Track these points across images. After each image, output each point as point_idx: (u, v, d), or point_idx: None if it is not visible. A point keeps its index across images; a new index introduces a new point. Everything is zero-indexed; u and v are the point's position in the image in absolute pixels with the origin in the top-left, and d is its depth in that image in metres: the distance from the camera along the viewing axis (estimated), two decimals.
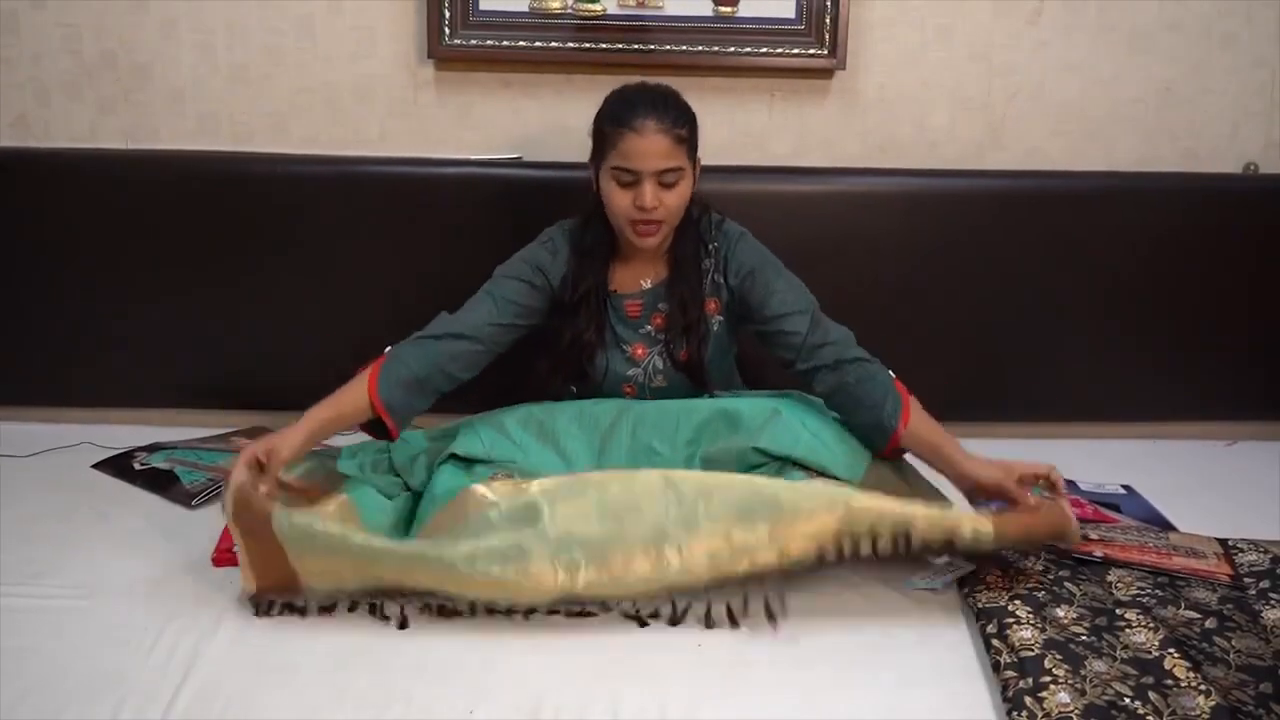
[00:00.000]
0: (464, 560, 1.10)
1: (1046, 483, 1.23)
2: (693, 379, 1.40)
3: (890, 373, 1.30)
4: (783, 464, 1.31)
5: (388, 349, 1.29)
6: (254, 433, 1.66)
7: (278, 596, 1.15)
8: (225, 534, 1.32)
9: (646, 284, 1.39)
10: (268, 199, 1.60)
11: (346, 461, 1.41)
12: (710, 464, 1.32)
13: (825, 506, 1.12)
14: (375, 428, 1.30)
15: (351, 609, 1.16)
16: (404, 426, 1.31)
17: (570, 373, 1.39)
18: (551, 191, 1.59)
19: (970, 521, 1.14)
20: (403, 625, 1.14)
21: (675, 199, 1.30)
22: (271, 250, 1.62)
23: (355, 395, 1.26)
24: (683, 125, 1.29)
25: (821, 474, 1.31)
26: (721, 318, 1.39)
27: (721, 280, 1.37)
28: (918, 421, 1.28)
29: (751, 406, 1.35)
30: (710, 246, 1.38)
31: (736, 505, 1.13)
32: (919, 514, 1.13)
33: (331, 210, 1.61)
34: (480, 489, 1.21)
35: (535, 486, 1.19)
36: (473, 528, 1.15)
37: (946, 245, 1.64)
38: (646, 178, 1.27)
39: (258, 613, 1.15)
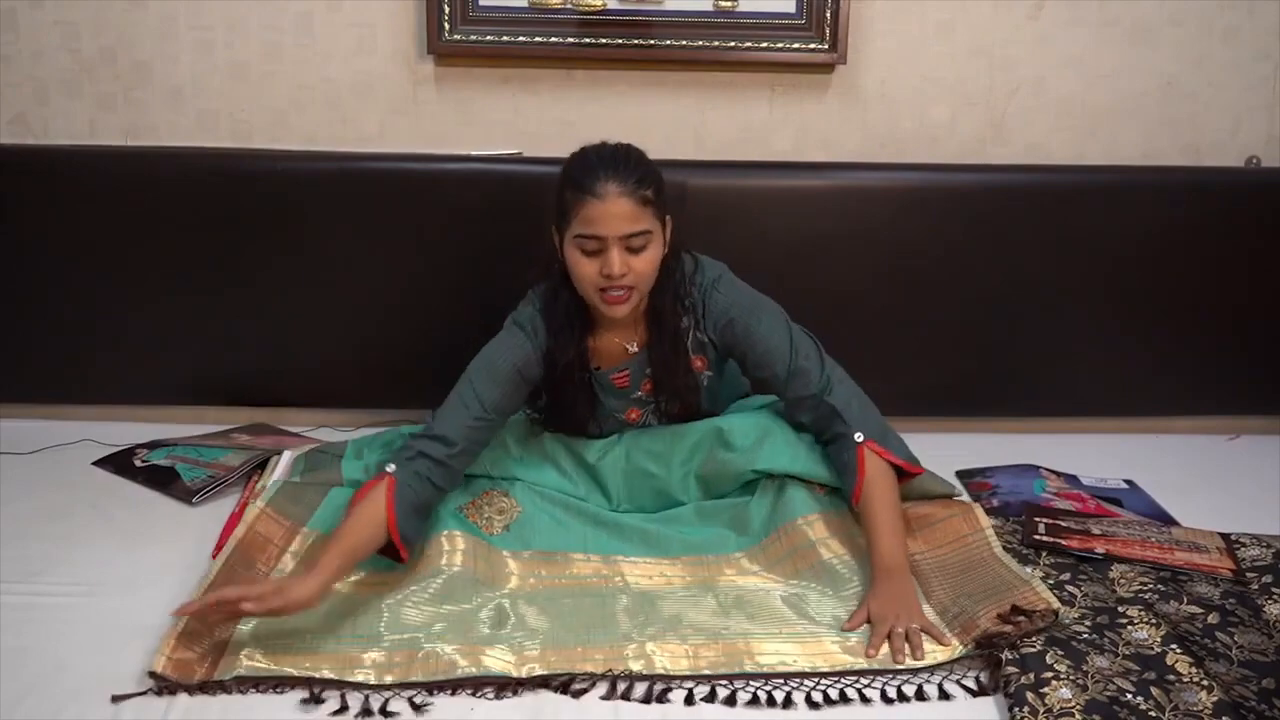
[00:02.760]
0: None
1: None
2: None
3: (858, 437, 1.24)
4: (782, 479, 1.32)
5: (390, 469, 1.20)
6: (255, 429, 1.65)
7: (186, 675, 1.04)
8: (226, 530, 1.33)
9: (632, 348, 1.32)
10: (268, 196, 1.59)
11: (351, 464, 1.41)
12: (706, 482, 1.33)
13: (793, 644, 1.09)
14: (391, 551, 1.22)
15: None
16: (416, 552, 1.23)
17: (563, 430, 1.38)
18: (551, 187, 1.56)
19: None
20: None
21: (644, 264, 1.21)
22: (271, 247, 1.61)
23: (373, 533, 1.16)
24: (647, 185, 1.20)
25: (822, 485, 1.33)
26: (711, 372, 1.35)
27: (704, 337, 1.31)
28: (869, 504, 1.22)
29: (743, 424, 1.33)
30: (686, 303, 1.30)
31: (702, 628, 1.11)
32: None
33: (331, 207, 1.59)
34: (444, 541, 1.22)
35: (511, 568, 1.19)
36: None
37: (947, 240, 1.63)
38: (612, 243, 1.19)
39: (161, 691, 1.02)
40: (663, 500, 1.35)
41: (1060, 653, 1.07)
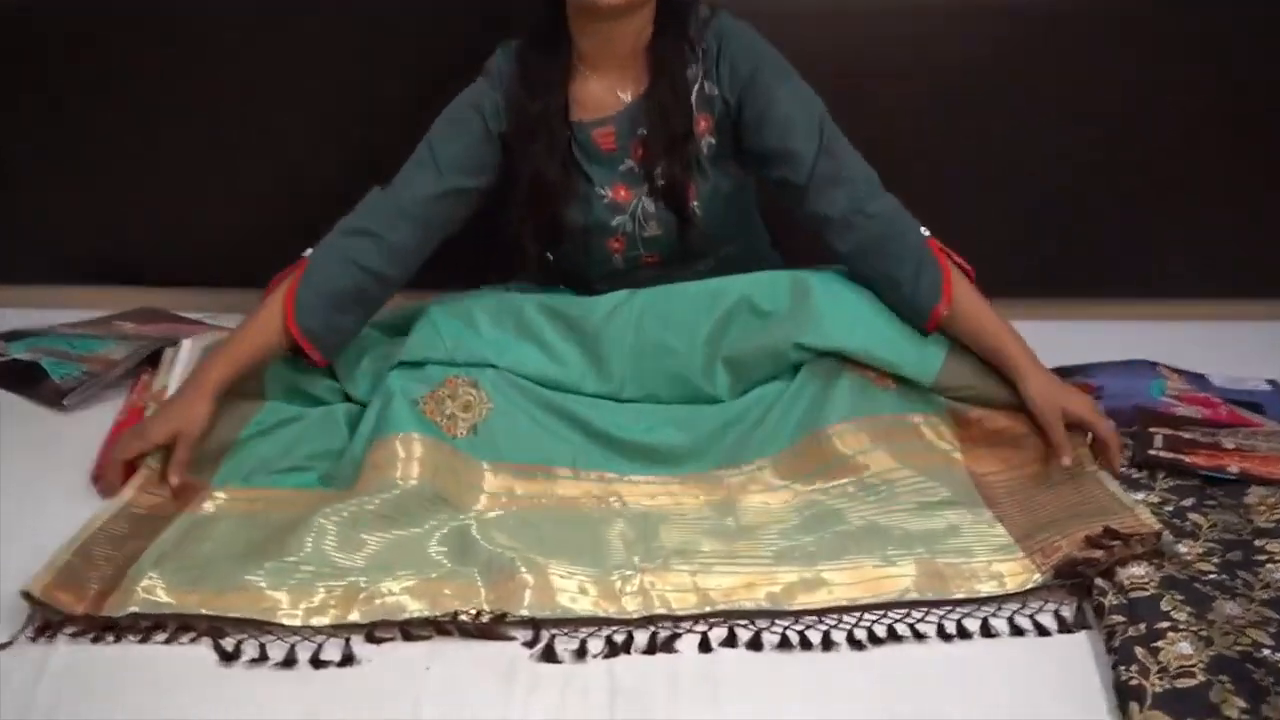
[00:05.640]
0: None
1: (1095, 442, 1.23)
2: (680, 216, 1.36)
3: (924, 231, 1.30)
4: (833, 361, 1.31)
5: (307, 253, 1.30)
6: (142, 315, 1.64)
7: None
8: (108, 444, 1.33)
9: (625, 97, 1.34)
10: (170, 41, 1.59)
11: (274, 366, 1.38)
12: (736, 367, 1.33)
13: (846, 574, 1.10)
14: (301, 354, 1.31)
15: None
16: (336, 354, 1.33)
17: (540, 229, 1.36)
18: None
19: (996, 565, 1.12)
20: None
21: None
22: (163, 95, 1.62)
23: (268, 326, 1.28)
24: None
25: (883, 374, 1.32)
26: (714, 140, 1.34)
27: (715, 91, 1.33)
28: (965, 302, 1.28)
29: (774, 281, 1.33)
30: (699, 49, 1.32)
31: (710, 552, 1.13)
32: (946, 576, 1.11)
33: (237, 47, 1.59)
34: (398, 446, 1.23)
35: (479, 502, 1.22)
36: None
37: (1033, 71, 1.58)
38: None
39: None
40: (679, 388, 1.34)
41: (1179, 597, 1.06)
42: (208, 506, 1.20)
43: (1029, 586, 1.09)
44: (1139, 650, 1.00)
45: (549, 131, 1.31)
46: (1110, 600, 1.07)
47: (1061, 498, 1.21)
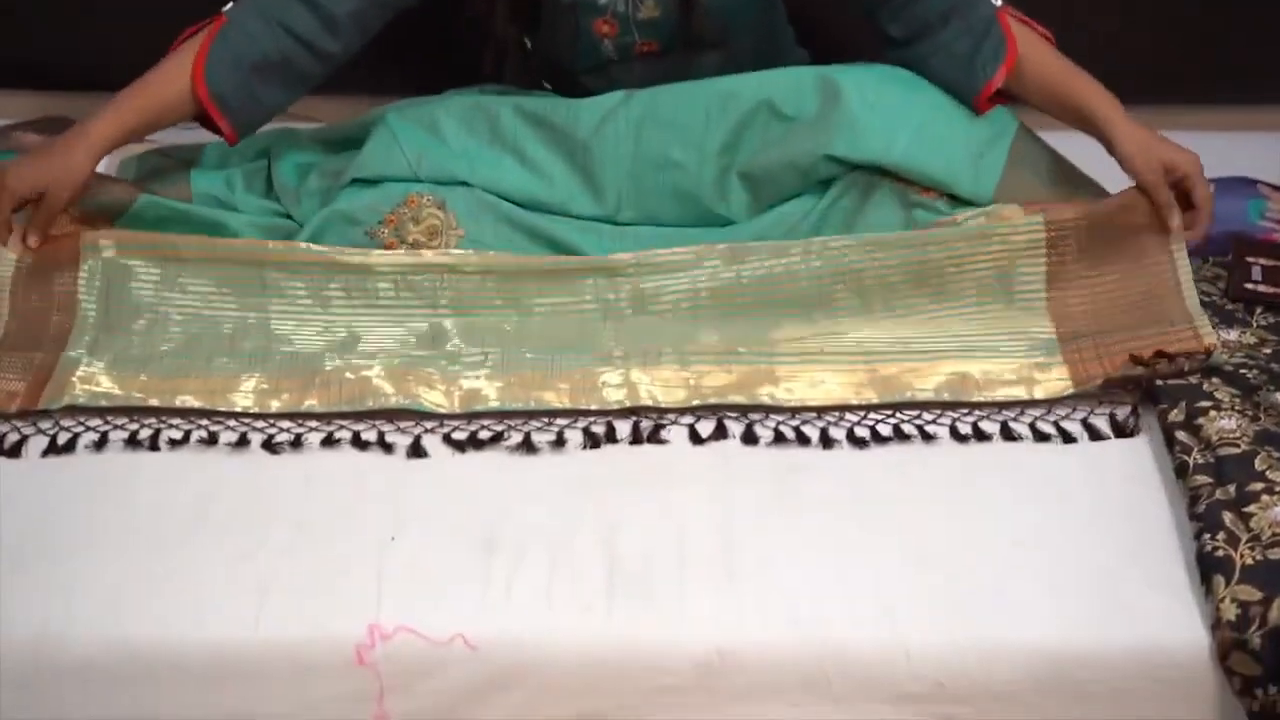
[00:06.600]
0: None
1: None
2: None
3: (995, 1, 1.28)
4: (870, 174, 1.29)
5: (227, 7, 1.26)
6: (46, 126, 1.59)
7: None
8: None
9: None
10: None
11: (208, 176, 1.38)
12: (755, 183, 1.30)
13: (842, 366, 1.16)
14: (209, 124, 1.30)
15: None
16: (247, 130, 1.30)
17: (516, 7, 1.32)
18: None
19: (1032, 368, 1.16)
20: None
21: None
22: None
23: (172, 84, 1.25)
24: None
25: (931, 190, 1.28)
26: None
27: None
28: (1033, 61, 1.26)
29: (799, 80, 1.29)
30: None
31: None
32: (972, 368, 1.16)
33: None
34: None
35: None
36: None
37: None
38: None
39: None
40: (686, 208, 1.31)
41: (1276, 454, 1.03)
42: (107, 250, 1.21)
43: (1058, 395, 1.13)
44: (1227, 516, 0.98)
45: None
46: (1195, 458, 1.04)
47: (1127, 283, 1.21)
